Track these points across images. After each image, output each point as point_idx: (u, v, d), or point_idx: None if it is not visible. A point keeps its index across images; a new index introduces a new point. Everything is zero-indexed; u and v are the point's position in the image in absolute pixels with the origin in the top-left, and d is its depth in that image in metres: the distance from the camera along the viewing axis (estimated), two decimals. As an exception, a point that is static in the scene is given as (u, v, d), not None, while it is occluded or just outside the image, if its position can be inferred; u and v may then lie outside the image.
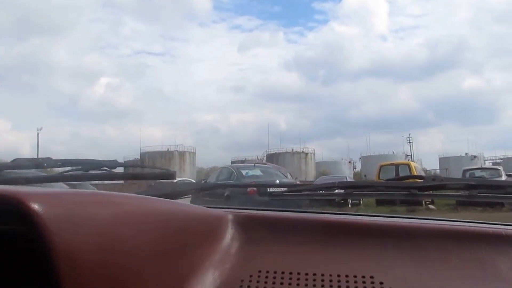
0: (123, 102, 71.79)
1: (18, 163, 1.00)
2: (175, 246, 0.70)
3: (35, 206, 0.53)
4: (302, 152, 45.34)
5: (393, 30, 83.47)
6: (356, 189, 1.21)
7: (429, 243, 0.77)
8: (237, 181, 9.53)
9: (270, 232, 0.83)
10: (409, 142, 45.01)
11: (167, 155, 43.78)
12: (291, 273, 0.72)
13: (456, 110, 70.15)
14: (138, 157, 43.95)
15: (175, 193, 1.11)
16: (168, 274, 0.67)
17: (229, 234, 0.82)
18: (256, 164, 11.07)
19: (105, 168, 1.07)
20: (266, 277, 0.73)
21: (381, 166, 14.33)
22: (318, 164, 45.57)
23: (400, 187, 1.23)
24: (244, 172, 10.09)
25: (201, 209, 0.86)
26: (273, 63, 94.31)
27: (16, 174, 1.02)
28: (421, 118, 68.10)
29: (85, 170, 1.06)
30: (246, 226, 0.84)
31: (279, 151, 45.42)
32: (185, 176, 36.54)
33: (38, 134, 38.28)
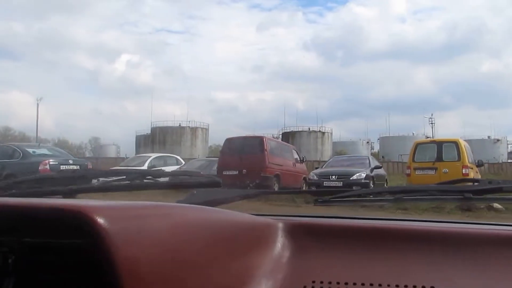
0: (143, 79, 72.69)
1: (62, 174, 0.97)
2: (226, 255, 0.69)
3: (101, 220, 0.53)
4: (319, 131, 44.70)
5: (411, 12, 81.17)
6: (407, 193, 1.16)
7: (490, 251, 0.74)
8: (24, 160, 8.96)
9: (321, 240, 0.81)
10: (431, 123, 44.17)
11: (178, 130, 43.02)
12: (346, 284, 0.70)
13: (474, 94, 68.91)
14: (149, 132, 43.75)
15: (218, 201, 1.08)
16: (222, 283, 0.66)
17: (279, 243, 0.80)
18: (40, 144, 10.66)
19: (149, 177, 1.05)
20: (321, 287, 0.70)
21: (417, 145, 11.42)
22: (335, 144, 45.15)
23: (453, 191, 1.17)
24: (31, 150, 9.62)
25: (249, 217, 0.84)
26: (292, 43, 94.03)
27: (60, 184, 1.00)
28: (439, 100, 67.18)
29: (130, 180, 1.03)
30: (295, 234, 0.82)
31: (295, 130, 44.96)
32: (197, 153, 36.13)
33: (38, 104, 38.88)
